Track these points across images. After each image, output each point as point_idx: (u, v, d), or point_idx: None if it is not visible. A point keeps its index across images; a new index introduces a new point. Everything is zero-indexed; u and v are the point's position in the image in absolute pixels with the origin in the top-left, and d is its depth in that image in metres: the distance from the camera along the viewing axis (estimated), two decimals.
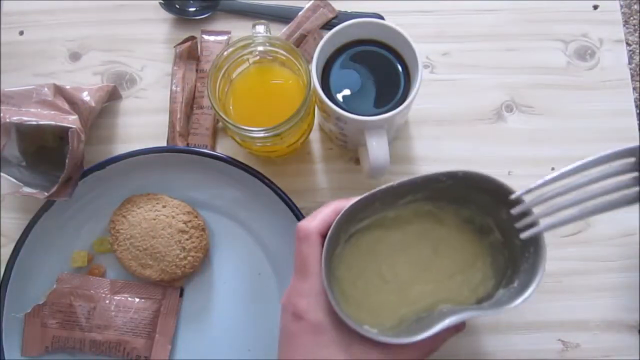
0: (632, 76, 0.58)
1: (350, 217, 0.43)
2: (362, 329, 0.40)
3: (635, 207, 0.54)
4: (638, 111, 0.57)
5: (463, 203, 0.47)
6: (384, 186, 0.42)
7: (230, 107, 0.50)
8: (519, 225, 0.41)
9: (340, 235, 0.45)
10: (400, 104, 0.47)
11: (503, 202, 0.43)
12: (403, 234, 0.47)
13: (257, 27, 0.51)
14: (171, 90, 0.58)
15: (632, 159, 0.40)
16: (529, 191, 0.39)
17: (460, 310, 0.41)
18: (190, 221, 0.53)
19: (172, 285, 0.53)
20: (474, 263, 0.47)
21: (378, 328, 0.44)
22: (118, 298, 0.53)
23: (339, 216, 0.42)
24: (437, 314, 0.44)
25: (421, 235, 0.47)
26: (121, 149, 0.56)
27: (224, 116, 0.46)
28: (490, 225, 0.47)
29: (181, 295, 0.54)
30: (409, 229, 0.47)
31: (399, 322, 0.45)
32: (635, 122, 0.57)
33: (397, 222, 0.47)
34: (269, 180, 0.53)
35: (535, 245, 0.42)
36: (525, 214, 0.41)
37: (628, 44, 0.59)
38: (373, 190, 0.42)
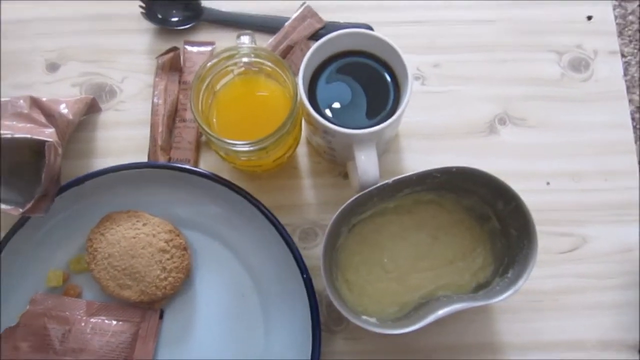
0: (628, 88, 0.57)
1: (348, 213, 0.47)
2: (360, 320, 0.44)
3: (635, 222, 0.53)
4: (634, 124, 0.56)
5: (463, 193, 0.49)
6: (379, 184, 0.45)
7: (214, 120, 0.49)
8: None
9: (340, 230, 0.49)
10: (390, 116, 0.46)
11: (498, 194, 0.46)
12: (403, 223, 0.50)
13: (242, 37, 0.50)
14: (153, 102, 0.57)
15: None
16: None
17: (453, 302, 0.44)
18: (171, 240, 0.51)
19: (152, 307, 0.52)
20: (474, 248, 0.50)
21: (379, 314, 0.48)
22: (94, 320, 0.51)
23: (336, 214, 0.45)
24: (435, 301, 0.47)
25: (421, 224, 0.50)
26: (100, 163, 0.55)
27: (207, 129, 0.45)
28: (489, 213, 0.49)
29: (161, 317, 0.52)
30: (409, 218, 0.50)
31: (400, 308, 0.48)
32: (631, 135, 0.56)
33: (398, 211, 0.50)
34: (252, 197, 0.52)
35: (528, 239, 0.45)
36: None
37: (623, 55, 0.59)
38: (369, 189, 0.45)
